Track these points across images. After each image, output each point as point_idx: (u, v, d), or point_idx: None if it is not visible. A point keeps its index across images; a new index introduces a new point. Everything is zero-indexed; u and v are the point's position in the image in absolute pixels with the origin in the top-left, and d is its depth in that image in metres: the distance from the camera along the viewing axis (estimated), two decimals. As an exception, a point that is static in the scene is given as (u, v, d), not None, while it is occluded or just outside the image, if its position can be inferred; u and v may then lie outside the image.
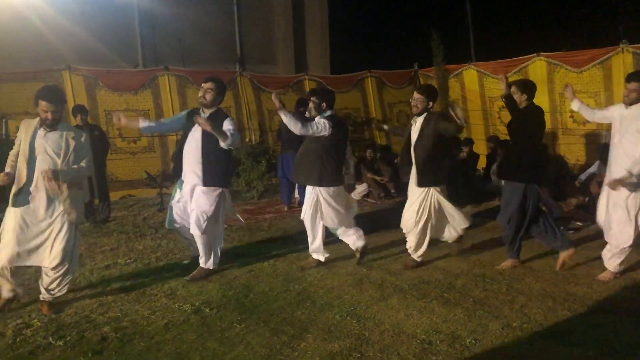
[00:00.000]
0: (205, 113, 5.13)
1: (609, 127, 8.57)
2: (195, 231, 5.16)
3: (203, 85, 5.18)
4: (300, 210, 5.74)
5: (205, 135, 5.01)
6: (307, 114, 7.99)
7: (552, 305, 4.30)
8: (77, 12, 10.90)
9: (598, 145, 8.33)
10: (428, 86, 5.83)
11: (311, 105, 5.44)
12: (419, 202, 5.27)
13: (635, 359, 3.42)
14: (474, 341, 3.71)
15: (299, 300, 4.59)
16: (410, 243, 5.42)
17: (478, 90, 10.75)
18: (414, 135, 5.31)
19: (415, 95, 5.27)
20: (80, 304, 4.57)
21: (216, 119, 5.04)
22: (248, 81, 10.21)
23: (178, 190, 5.34)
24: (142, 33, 11.98)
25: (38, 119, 4.34)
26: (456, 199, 8.51)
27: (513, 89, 5.21)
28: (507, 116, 10.21)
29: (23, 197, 4.28)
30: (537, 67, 9.53)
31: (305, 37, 15.15)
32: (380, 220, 7.38)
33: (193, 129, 5.14)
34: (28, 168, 4.28)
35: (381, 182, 9.25)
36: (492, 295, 4.56)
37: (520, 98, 5.20)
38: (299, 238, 6.58)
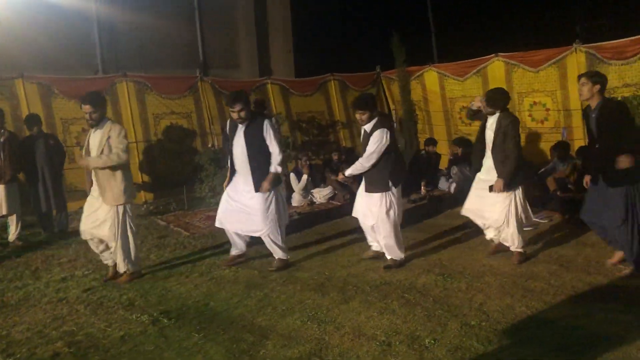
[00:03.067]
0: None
1: (566, 124, 8.82)
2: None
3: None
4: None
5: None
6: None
7: (510, 302, 4.35)
8: (34, 18, 10.61)
9: (557, 142, 8.47)
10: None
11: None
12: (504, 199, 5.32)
13: (589, 352, 3.47)
14: (432, 341, 3.72)
15: (260, 306, 4.55)
16: (511, 239, 5.42)
17: (439, 92, 10.85)
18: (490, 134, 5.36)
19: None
20: (33, 319, 4.44)
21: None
22: (209, 86, 10.09)
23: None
24: (101, 39, 11.75)
25: None
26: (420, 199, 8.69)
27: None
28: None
29: None
30: (495, 67, 9.67)
31: (268, 41, 15.10)
32: (343, 221, 7.38)
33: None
34: None
35: (345, 184, 9.25)
36: (451, 294, 4.59)
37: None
38: (262, 243, 6.54)
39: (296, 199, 8.85)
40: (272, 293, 4.86)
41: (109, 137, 5.13)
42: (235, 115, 5.33)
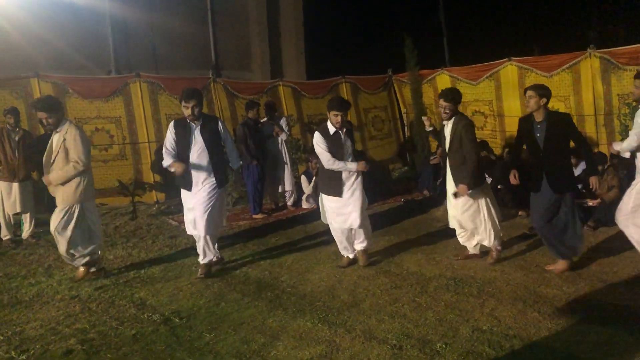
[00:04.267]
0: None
1: (579, 129, 8.76)
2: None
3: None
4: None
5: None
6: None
7: (522, 307, 4.33)
8: (49, 18, 10.72)
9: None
10: (451, 90, 5.72)
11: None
12: (473, 201, 5.43)
13: (601, 358, 3.45)
14: (444, 345, 3.71)
15: (271, 307, 4.56)
16: (487, 238, 5.53)
17: (451, 95, 10.83)
18: (447, 140, 5.47)
19: (442, 102, 5.40)
20: (46, 316, 4.48)
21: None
22: (221, 87, 10.15)
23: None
24: (114, 39, 11.85)
25: None
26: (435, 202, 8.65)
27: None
28: (479, 120, 10.32)
29: None
30: (508, 71, 9.64)
31: (280, 43, 15.14)
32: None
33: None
34: None
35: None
36: (463, 299, 4.57)
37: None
38: (274, 245, 6.57)
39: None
40: (283, 294, 4.87)
41: (64, 140, 5.15)
42: (188, 112, 5.34)
